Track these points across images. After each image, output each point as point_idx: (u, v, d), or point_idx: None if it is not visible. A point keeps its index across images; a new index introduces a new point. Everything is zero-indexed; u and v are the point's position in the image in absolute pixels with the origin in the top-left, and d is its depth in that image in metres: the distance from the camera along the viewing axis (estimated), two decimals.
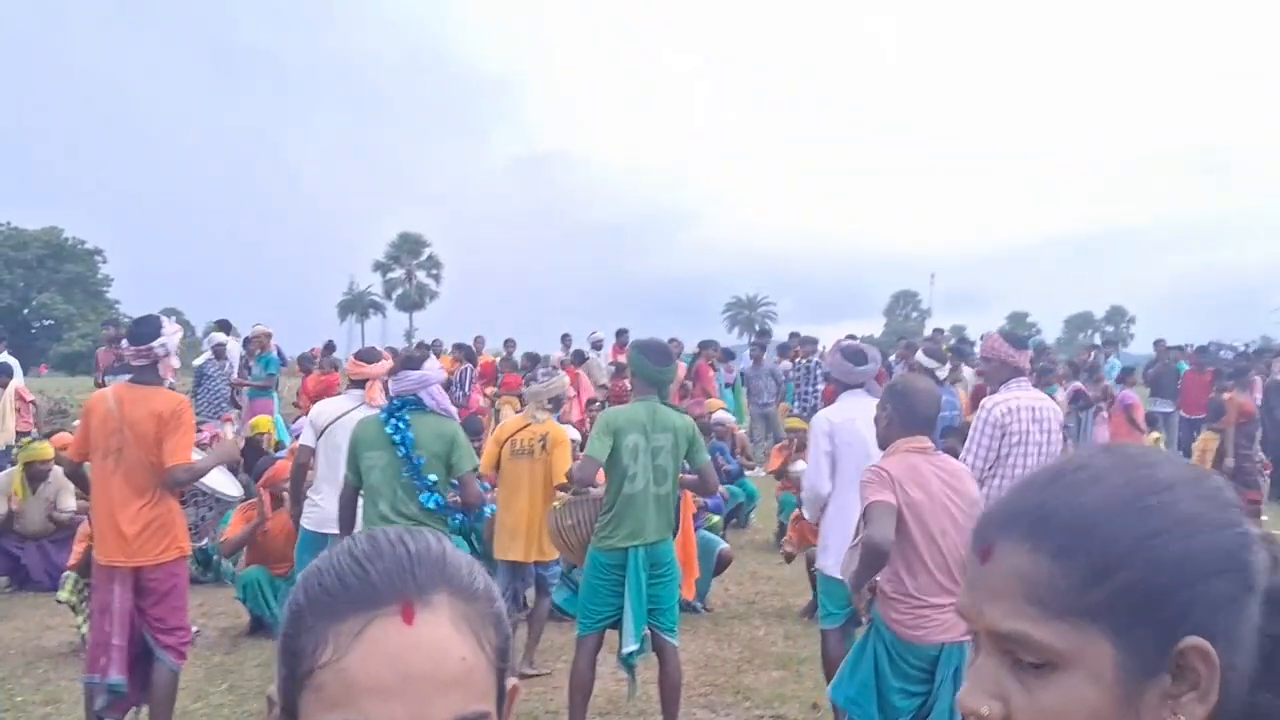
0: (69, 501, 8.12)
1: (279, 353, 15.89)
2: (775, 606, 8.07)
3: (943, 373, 11.95)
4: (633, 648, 4.97)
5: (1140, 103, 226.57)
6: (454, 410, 5.10)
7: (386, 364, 6.16)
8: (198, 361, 14.22)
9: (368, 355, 6.35)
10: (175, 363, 4.90)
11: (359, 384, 6.15)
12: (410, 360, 5.10)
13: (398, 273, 73.56)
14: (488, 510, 5.23)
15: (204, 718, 5.52)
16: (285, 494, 6.88)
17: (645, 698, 5.61)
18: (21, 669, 6.31)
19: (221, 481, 5.40)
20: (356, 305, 74.32)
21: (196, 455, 4.88)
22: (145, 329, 4.81)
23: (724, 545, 8.12)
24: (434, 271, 74.55)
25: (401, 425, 4.86)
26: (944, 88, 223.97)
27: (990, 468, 5.42)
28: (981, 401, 5.76)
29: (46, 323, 55.10)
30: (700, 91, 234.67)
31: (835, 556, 5.29)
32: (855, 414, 5.16)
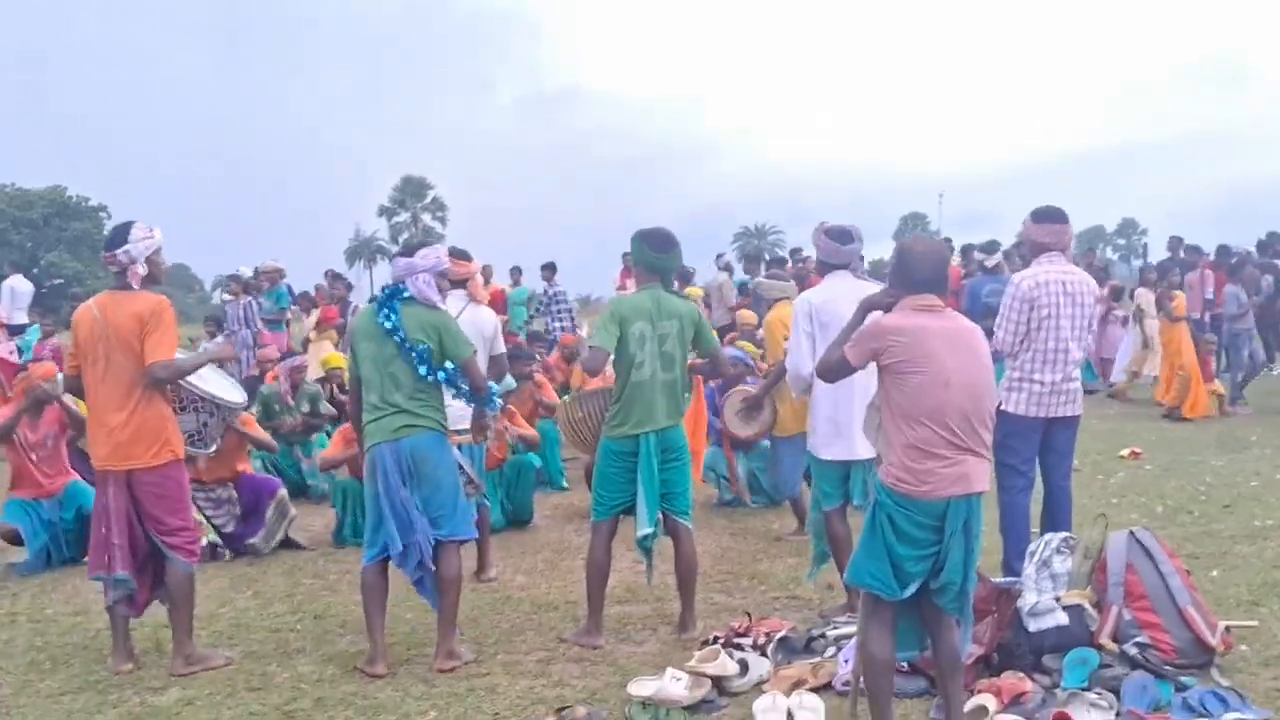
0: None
1: (289, 290, 16.01)
2: (788, 506, 8.13)
3: (990, 261, 12.10)
4: (647, 530, 5.04)
5: (1150, 14, 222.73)
6: (439, 300, 5.00)
7: (475, 264, 6.15)
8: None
9: (463, 254, 6.14)
10: (142, 270, 4.85)
11: (459, 284, 6.00)
12: (405, 249, 5.04)
13: (403, 216, 73.34)
14: (495, 405, 5.20)
15: (230, 622, 5.63)
16: None
17: (662, 585, 5.70)
18: (51, 585, 6.44)
19: (221, 386, 5.43)
20: (364, 251, 74.21)
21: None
22: (114, 236, 4.85)
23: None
24: (439, 214, 74.34)
25: (392, 314, 4.78)
26: (950, 5, 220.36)
27: (1021, 341, 5.44)
28: (1012, 276, 5.76)
29: (56, 281, 55.14)
30: (711, 23, 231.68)
31: (823, 439, 5.33)
32: (838, 294, 5.13)
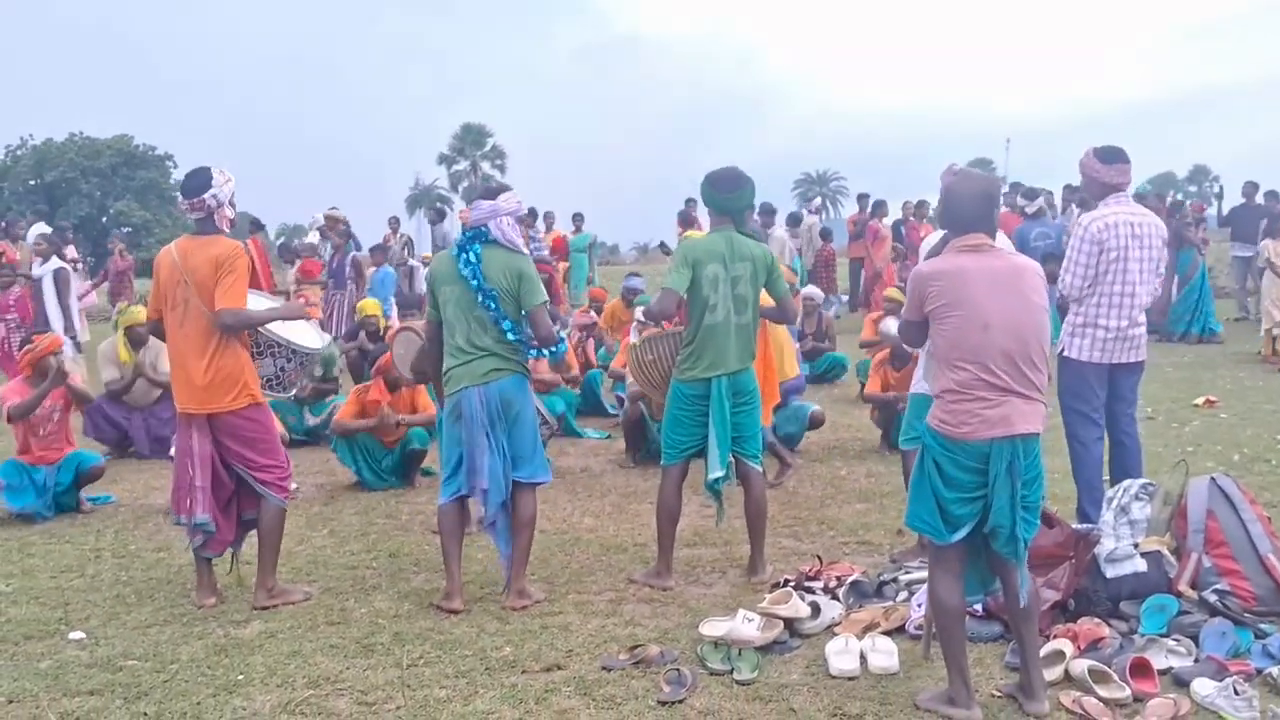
0: (166, 364, 8.34)
1: (354, 240, 16.12)
2: (855, 449, 8.13)
3: (1031, 208, 11.93)
4: (719, 473, 5.04)
5: None
6: (521, 243, 5.01)
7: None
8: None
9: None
10: (230, 213, 4.94)
11: None
12: (485, 191, 5.02)
13: (462, 165, 73.35)
14: (562, 347, 5.21)
15: (308, 558, 5.75)
16: (399, 379, 7.27)
17: (729, 529, 5.71)
18: (133, 523, 6.62)
19: (299, 333, 5.47)
20: (424, 199, 74.26)
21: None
22: (195, 182, 4.87)
23: (815, 408, 8.10)
24: (498, 162, 74.13)
25: (472, 258, 4.80)
26: None
27: (1089, 285, 5.32)
28: (1078, 219, 5.61)
29: (125, 230, 56.14)
30: None
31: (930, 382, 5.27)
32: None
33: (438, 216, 18.64)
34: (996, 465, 3.59)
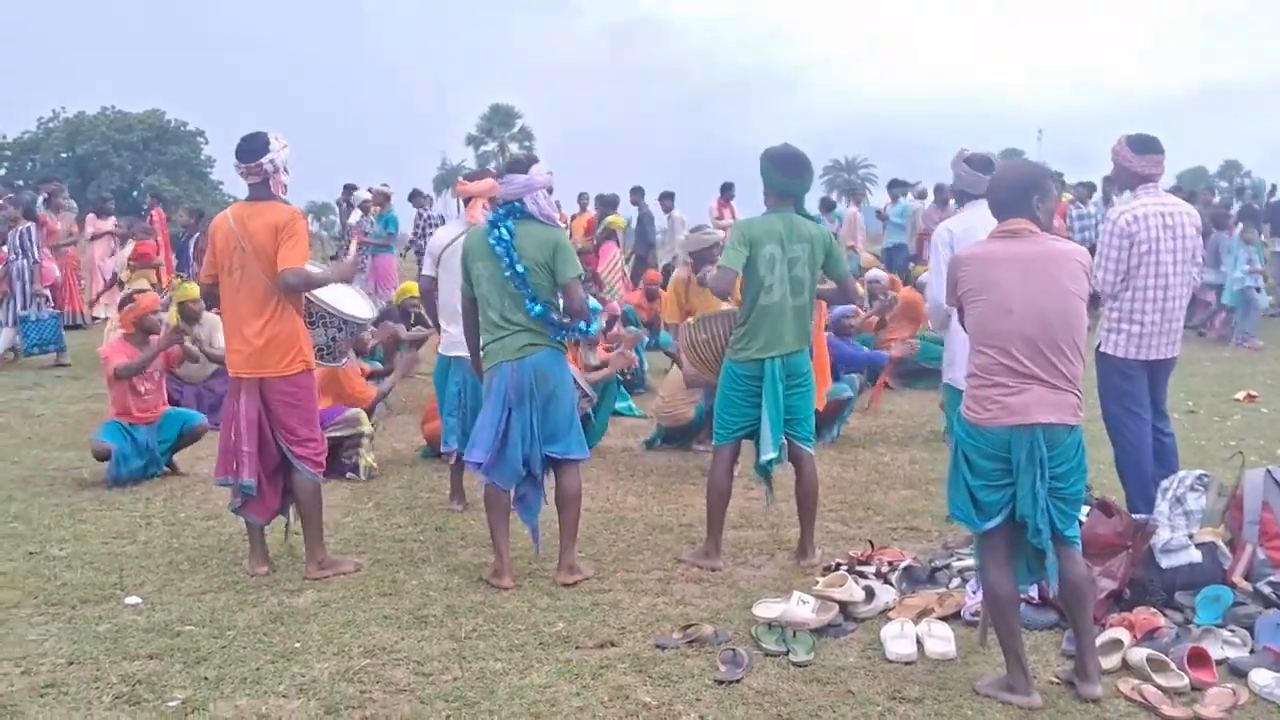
0: (220, 339, 8.39)
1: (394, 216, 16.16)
2: (899, 436, 8.10)
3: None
4: (771, 455, 5.03)
5: None
6: (558, 217, 4.99)
7: (489, 182, 5.96)
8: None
9: (472, 175, 6.19)
10: (285, 179, 4.97)
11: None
12: (516, 164, 4.95)
13: (490, 146, 73.42)
14: (594, 327, 5.19)
15: (355, 530, 5.79)
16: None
17: (776, 512, 5.70)
18: (181, 491, 6.67)
19: (349, 303, 5.51)
20: (451, 180, 74.42)
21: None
22: (253, 146, 4.88)
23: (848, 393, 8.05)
24: (526, 143, 74.15)
25: (504, 234, 4.75)
26: None
27: (1121, 280, 5.23)
28: (1107, 211, 5.50)
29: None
30: None
31: (961, 370, 5.23)
32: (976, 223, 4.96)
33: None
34: (1017, 453, 3.59)
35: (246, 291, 4.86)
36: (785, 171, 5.03)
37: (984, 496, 3.66)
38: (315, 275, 4.98)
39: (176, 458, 7.17)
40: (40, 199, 14.99)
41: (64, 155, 55.84)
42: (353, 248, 8.57)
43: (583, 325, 5.03)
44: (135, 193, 56.08)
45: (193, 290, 8.38)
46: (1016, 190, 3.74)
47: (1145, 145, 5.24)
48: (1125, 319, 5.23)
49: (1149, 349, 5.26)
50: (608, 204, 15.14)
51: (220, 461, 5.09)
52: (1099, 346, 5.34)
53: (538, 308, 4.76)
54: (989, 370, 3.61)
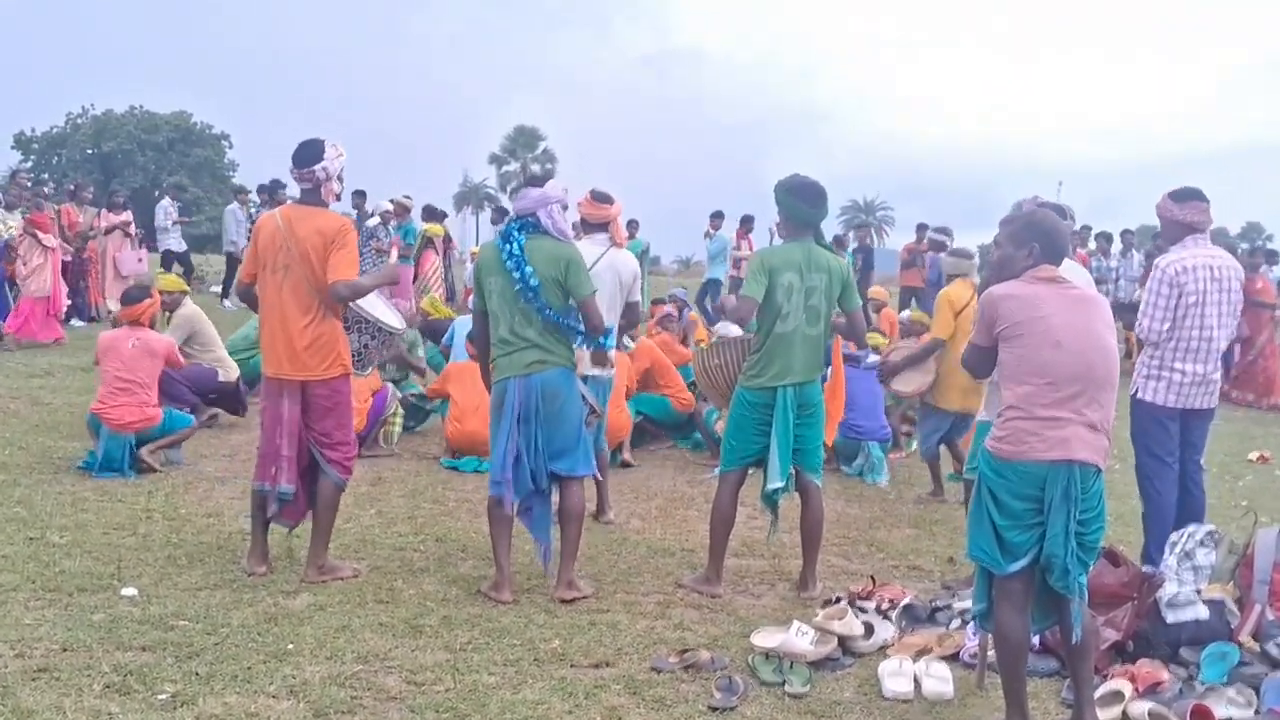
0: (209, 330, 8.34)
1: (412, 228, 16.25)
2: (903, 475, 8.06)
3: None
4: (778, 484, 4.99)
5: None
6: (571, 233, 4.99)
7: (620, 204, 6.10)
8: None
9: (604, 196, 6.10)
10: (337, 187, 4.99)
11: (598, 228, 6.04)
12: (532, 179, 5.00)
13: (512, 166, 73.72)
14: (610, 340, 5.23)
15: (356, 537, 5.76)
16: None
17: (778, 542, 5.66)
18: (183, 487, 6.65)
19: (385, 312, 5.52)
20: (471, 197, 74.84)
21: None
22: (308, 152, 4.89)
23: None
24: (548, 165, 74.47)
25: (515, 249, 4.75)
26: None
27: (1167, 328, 5.22)
28: (1155, 261, 5.50)
29: (177, 205, 56.82)
30: None
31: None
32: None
33: (499, 216, 18.77)
34: (1052, 490, 3.50)
35: (289, 292, 4.84)
36: (807, 201, 5.03)
37: (1011, 537, 3.57)
38: (363, 284, 4.94)
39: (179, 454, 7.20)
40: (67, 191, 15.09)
41: (90, 151, 56.29)
42: (393, 255, 8.62)
43: (600, 340, 5.03)
44: (156, 192, 56.54)
45: (173, 282, 8.55)
46: (1048, 238, 3.73)
47: (1185, 194, 5.30)
48: (1166, 367, 5.25)
49: (1187, 398, 5.27)
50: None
51: (259, 466, 5.05)
52: (1135, 393, 5.33)
53: (554, 316, 4.77)
54: (1032, 400, 3.53)
